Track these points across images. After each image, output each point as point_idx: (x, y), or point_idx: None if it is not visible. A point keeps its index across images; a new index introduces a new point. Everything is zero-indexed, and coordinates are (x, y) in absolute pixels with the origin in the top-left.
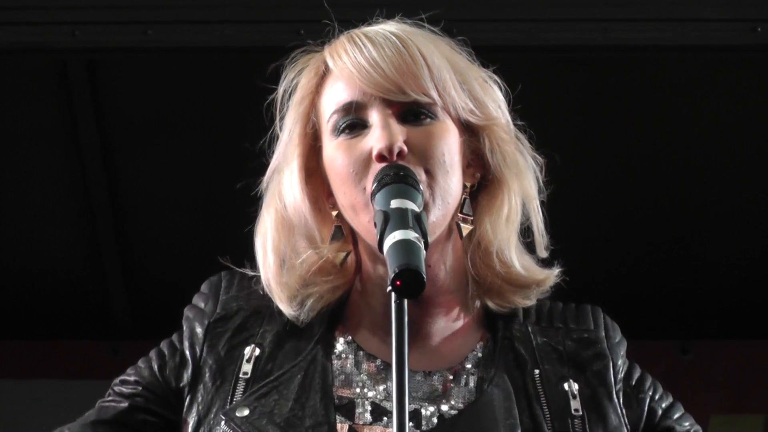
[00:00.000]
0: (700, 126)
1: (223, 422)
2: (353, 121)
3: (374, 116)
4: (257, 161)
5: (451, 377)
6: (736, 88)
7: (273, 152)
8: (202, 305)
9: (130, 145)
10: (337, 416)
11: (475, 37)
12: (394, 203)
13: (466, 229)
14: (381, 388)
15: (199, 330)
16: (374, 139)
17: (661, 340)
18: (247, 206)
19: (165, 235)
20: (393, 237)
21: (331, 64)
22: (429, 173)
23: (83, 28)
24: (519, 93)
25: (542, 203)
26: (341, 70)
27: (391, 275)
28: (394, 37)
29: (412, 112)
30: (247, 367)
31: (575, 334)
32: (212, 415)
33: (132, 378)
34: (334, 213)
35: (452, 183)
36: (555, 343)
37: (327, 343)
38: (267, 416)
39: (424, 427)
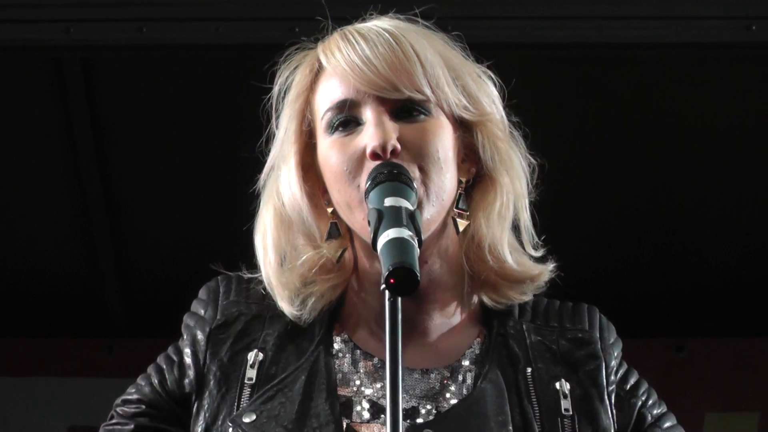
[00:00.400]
0: (695, 124)
1: (230, 429)
2: (347, 119)
3: (368, 114)
4: (253, 159)
5: (448, 375)
6: (731, 86)
7: (269, 150)
8: (201, 312)
9: (125, 142)
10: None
11: (469, 34)
12: (388, 201)
13: (462, 224)
14: (378, 386)
15: (200, 337)
16: (368, 137)
17: (656, 337)
18: (242, 204)
19: (160, 233)
20: (387, 235)
21: (324, 61)
22: (423, 170)
23: (78, 26)
24: (513, 91)
25: (537, 201)
26: (334, 67)
27: (385, 273)
28: (387, 34)
29: (405, 109)
30: (251, 373)
31: (569, 334)
32: (219, 423)
33: (134, 397)
34: (330, 210)
35: (446, 180)
36: (549, 342)
37: (328, 343)
38: (274, 420)
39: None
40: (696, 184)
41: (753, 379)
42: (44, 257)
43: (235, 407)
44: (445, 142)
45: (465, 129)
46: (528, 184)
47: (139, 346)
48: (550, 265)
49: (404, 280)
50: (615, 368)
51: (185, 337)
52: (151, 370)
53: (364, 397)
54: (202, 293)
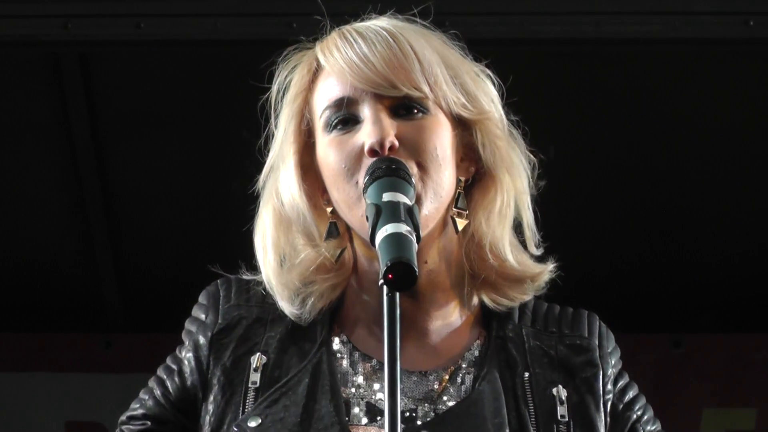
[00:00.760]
0: (693, 120)
1: None
2: (345, 117)
3: (366, 111)
4: (250, 156)
5: (446, 377)
6: (729, 81)
7: (267, 147)
8: (202, 317)
9: (123, 138)
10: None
11: (466, 30)
12: (386, 196)
13: (461, 223)
14: (376, 388)
15: (203, 342)
16: (365, 134)
17: (653, 333)
18: (239, 200)
19: (157, 228)
20: (385, 230)
21: (322, 60)
22: (421, 167)
23: (76, 22)
24: (510, 86)
25: (535, 198)
26: (332, 66)
27: (383, 269)
28: (384, 32)
29: (403, 107)
30: (255, 377)
31: (568, 340)
32: (225, 427)
33: (138, 413)
34: (329, 209)
35: (445, 176)
36: (547, 348)
37: (330, 345)
38: (279, 423)
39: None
40: (693, 180)
41: (750, 374)
42: (41, 252)
43: (240, 412)
44: (443, 140)
45: (464, 127)
46: (529, 182)
47: (136, 341)
48: (551, 265)
49: (402, 275)
50: (612, 377)
51: (186, 343)
52: (152, 382)
53: (362, 400)
54: (203, 298)
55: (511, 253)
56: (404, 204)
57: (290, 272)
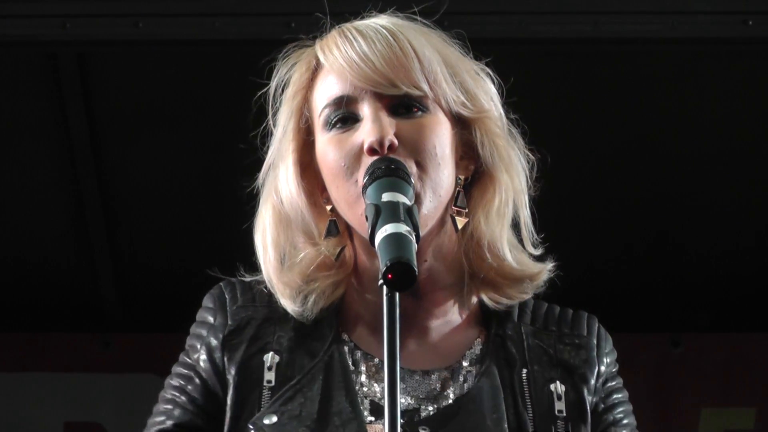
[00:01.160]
0: (692, 119)
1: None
2: (344, 115)
3: (365, 110)
4: (248, 153)
5: (448, 375)
6: (728, 81)
7: (265, 147)
8: (211, 320)
9: (120, 137)
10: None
11: (466, 29)
12: (386, 196)
13: (461, 222)
14: (378, 387)
15: (215, 344)
16: (365, 133)
17: (652, 332)
18: (238, 199)
19: (155, 227)
20: (384, 230)
21: (322, 58)
22: (420, 165)
23: (74, 21)
24: (509, 86)
25: (533, 196)
26: (332, 64)
27: (383, 269)
28: (384, 31)
29: (403, 105)
30: (269, 375)
31: (567, 339)
32: (241, 426)
33: (168, 424)
34: (329, 207)
35: (444, 175)
36: (546, 346)
37: (340, 342)
38: (296, 420)
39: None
40: (692, 178)
41: (749, 374)
42: (39, 251)
43: (256, 410)
44: (442, 138)
45: (463, 126)
46: (527, 181)
47: (135, 340)
48: (549, 264)
49: (402, 275)
50: (604, 377)
51: (198, 346)
52: (170, 393)
53: (366, 398)
54: (208, 301)
55: (510, 252)
56: (404, 204)
57: (291, 270)
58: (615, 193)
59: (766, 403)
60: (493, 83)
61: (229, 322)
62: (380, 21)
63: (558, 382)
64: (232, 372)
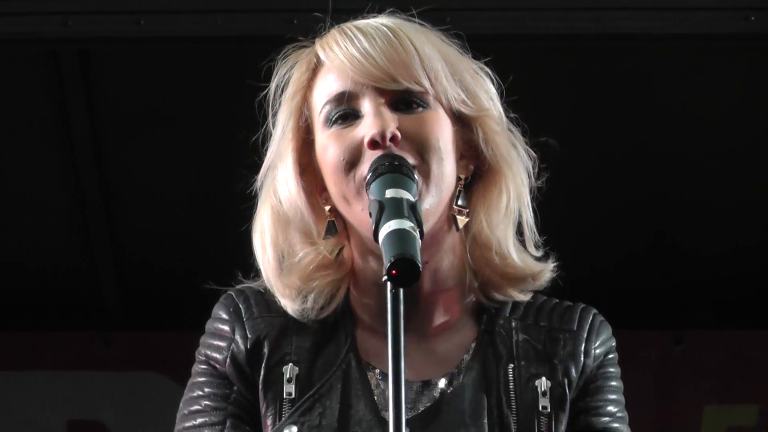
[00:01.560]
0: (694, 115)
1: None
2: (345, 112)
3: (366, 105)
4: (248, 152)
5: (447, 383)
6: (730, 76)
7: (265, 146)
8: (228, 332)
9: (122, 135)
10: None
11: (467, 26)
12: (389, 193)
13: (461, 221)
14: (382, 399)
15: (242, 357)
16: (366, 127)
17: (654, 330)
18: (238, 198)
19: (156, 226)
20: (388, 226)
21: (322, 56)
22: (422, 160)
23: (76, 18)
24: (511, 82)
25: (534, 194)
26: (333, 61)
27: (387, 265)
28: (385, 28)
29: (404, 101)
30: (290, 387)
31: (555, 333)
32: None
33: (219, 416)
34: (327, 208)
35: (446, 170)
36: (534, 341)
37: (356, 349)
38: (316, 429)
39: None
40: (694, 176)
41: (751, 371)
42: (41, 250)
43: (276, 422)
44: (444, 134)
45: (463, 124)
46: (530, 180)
47: (136, 339)
48: (551, 263)
49: (406, 270)
50: (592, 370)
51: (221, 357)
52: (203, 405)
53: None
54: (222, 312)
55: (514, 252)
56: (407, 200)
57: (290, 270)
58: (617, 190)
59: None
60: (493, 83)
61: (250, 335)
62: (380, 20)
63: (544, 378)
64: (260, 386)
